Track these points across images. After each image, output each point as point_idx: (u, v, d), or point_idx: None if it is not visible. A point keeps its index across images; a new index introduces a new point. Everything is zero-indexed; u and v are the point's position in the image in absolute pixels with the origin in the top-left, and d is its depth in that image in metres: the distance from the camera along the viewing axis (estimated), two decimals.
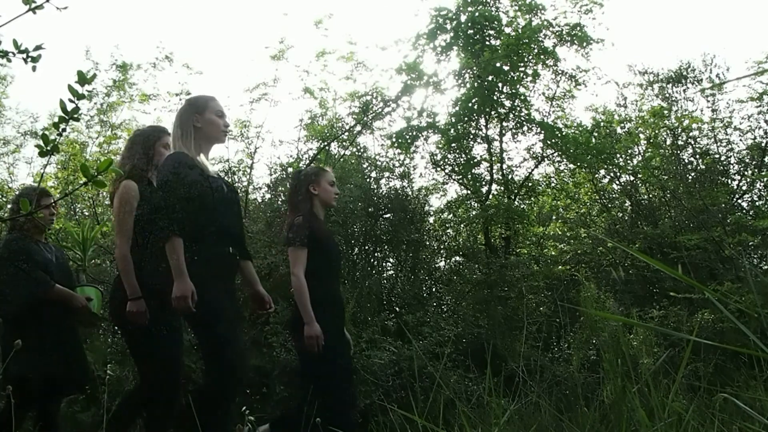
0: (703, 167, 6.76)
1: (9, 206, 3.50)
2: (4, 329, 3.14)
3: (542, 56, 6.77)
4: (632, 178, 7.00)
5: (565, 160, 7.04)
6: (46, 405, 3.11)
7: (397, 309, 5.55)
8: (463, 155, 7.06)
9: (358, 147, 6.94)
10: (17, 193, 3.66)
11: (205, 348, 2.54)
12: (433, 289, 6.42)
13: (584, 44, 6.88)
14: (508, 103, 6.91)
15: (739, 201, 6.59)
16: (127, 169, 2.89)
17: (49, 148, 1.19)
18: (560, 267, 6.40)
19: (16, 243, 3.20)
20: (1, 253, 3.19)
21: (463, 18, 6.90)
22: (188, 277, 2.39)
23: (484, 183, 7.05)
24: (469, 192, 7.14)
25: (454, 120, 6.87)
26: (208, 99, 2.74)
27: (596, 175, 7.11)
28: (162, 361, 2.76)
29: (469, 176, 7.04)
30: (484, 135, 7.02)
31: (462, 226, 7.17)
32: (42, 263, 3.18)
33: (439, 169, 7.17)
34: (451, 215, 7.14)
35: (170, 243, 2.42)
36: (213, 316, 2.43)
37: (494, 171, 7.06)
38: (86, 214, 6.50)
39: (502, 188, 7.11)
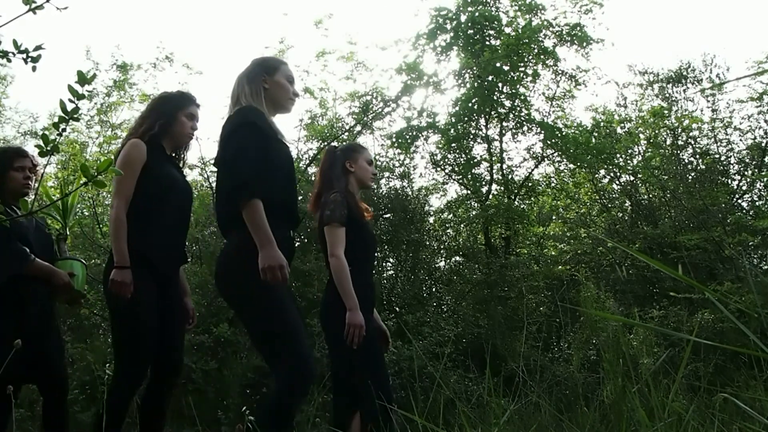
0: (703, 167, 6.77)
1: None
2: None
3: (542, 56, 6.78)
4: (632, 178, 7.01)
5: (565, 160, 7.04)
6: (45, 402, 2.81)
7: (397, 309, 5.55)
8: (463, 155, 7.06)
9: None
10: None
11: (265, 343, 2.19)
12: (433, 289, 6.42)
13: (584, 44, 6.89)
14: (508, 103, 6.91)
15: (739, 201, 6.60)
16: (141, 130, 2.58)
17: (49, 148, 1.19)
18: (560, 267, 6.40)
19: None
20: None
21: (463, 18, 6.90)
22: (275, 245, 2.06)
23: (484, 183, 7.05)
24: (469, 192, 7.14)
25: (454, 120, 6.87)
26: (279, 62, 2.48)
27: (596, 175, 7.11)
28: (138, 343, 2.40)
29: (469, 176, 7.04)
30: (484, 135, 7.02)
31: (462, 226, 7.17)
32: (19, 233, 2.81)
33: (439, 169, 7.18)
34: (451, 215, 7.15)
35: (251, 206, 2.08)
36: (277, 308, 2.11)
37: (494, 171, 7.06)
38: (86, 214, 6.50)
39: (502, 188, 7.11)
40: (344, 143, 3.67)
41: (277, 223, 2.17)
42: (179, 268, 2.69)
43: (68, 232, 3.17)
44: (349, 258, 2.56)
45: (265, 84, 2.37)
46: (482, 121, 6.95)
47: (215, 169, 2.81)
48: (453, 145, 6.91)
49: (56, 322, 2.97)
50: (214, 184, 6.31)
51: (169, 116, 2.66)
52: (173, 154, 2.76)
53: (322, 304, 2.71)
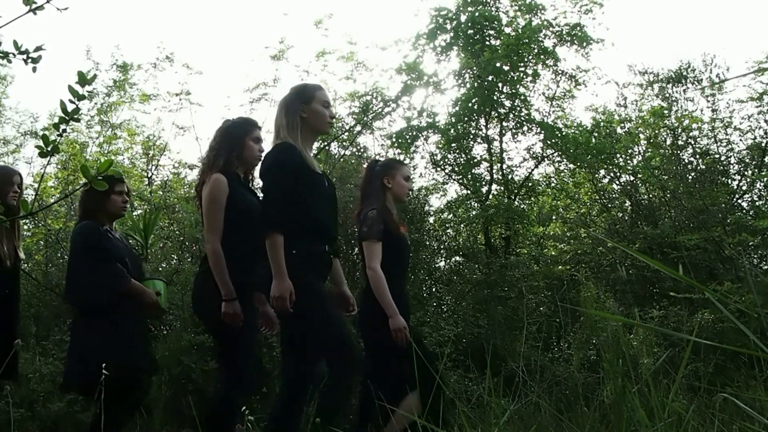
0: (703, 167, 6.76)
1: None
2: (80, 323, 3.03)
3: (542, 56, 6.77)
4: (632, 178, 7.00)
5: (565, 160, 7.03)
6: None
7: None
8: (463, 155, 7.06)
9: (358, 147, 6.94)
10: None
11: (308, 346, 2.48)
12: (433, 289, 6.42)
13: (584, 44, 6.88)
14: (508, 103, 6.91)
15: (739, 201, 6.59)
16: (218, 163, 2.78)
17: (49, 148, 1.19)
18: (560, 267, 6.40)
19: (92, 232, 3.02)
20: (78, 242, 3.03)
21: (463, 18, 6.89)
22: (287, 275, 2.32)
23: (484, 183, 7.05)
24: (469, 192, 7.14)
25: (454, 120, 6.86)
26: (315, 88, 2.65)
27: (596, 175, 7.11)
28: (248, 363, 2.71)
29: (469, 176, 7.04)
30: (484, 135, 7.02)
31: (462, 226, 7.17)
32: (118, 255, 3.04)
33: (439, 169, 7.17)
34: (451, 215, 7.14)
35: (271, 239, 2.35)
36: (316, 313, 2.37)
37: (494, 171, 7.06)
38: None
39: (502, 188, 7.11)
40: (384, 158, 3.81)
41: (314, 239, 2.46)
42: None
43: (147, 253, 3.36)
44: (387, 270, 2.77)
45: (303, 113, 2.56)
46: (482, 121, 6.95)
47: None
48: (453, 145, 6.91)
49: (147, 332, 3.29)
50: None
51: (239, 144, 2.84)
52: (244, 178, 2.95)
53: (360, 313, 2.89)
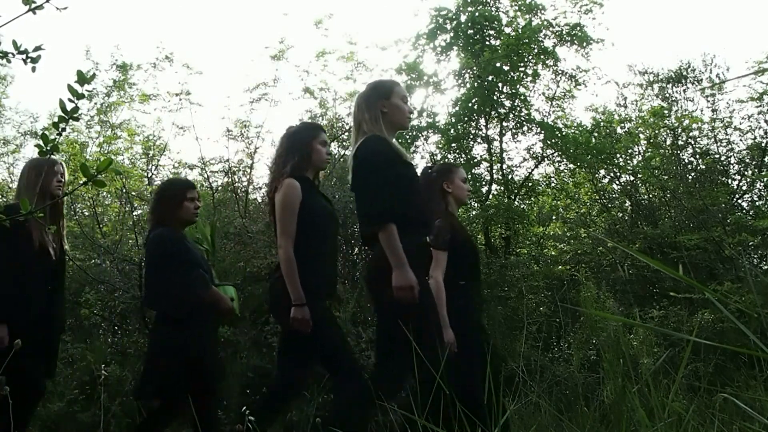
0: (703, 167, 6.76)
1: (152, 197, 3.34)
2: (160, 330, 3.04)
3: (542, 56, 6.77)
4: (632, 178, 7.00)
5: (565, 160, 7.03)
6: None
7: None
8: (463, 155, 7.06)
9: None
10: (164, 183, 3.46)
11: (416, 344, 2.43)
12: None
13: (584, 44, 6.88)
14: (508, 103, 6.90)
15: (739, 201, 6.59)
16: (289, 168, 2.76)
17: (48, 148, 1.19)
18: (560, 267, 6.40)
19: (171, 239, 3.02)
20: (156, 250, 3.03)
21: (463, 18, 6.89)
22: (408, 266, 2.27)
23: (484, 183, 7.05)
24: (468, 192, 7.14)
25: (454, 120, 6.86)
26: (392, 84, 2.64)
27: (596, 175, 7.10)
28: (309, 366, 2.72)
29: (469, 176, 7.04)
30: (484, 135, 7.01)
31: None
32: (196, 261, 3.05)
33: None
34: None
35: (385, 230, 2.29)
36: (425, 310, 2.31)
37: (494, 171, 7.05)
38: (86, 213, 6.50)
39: (502, 188, 7.10)
40: (438, 164, 3.81)
41: (413, 233, 2.41)
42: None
43: (214, 260, 3.39)
44: (461, 276, 2.81)
45: (383, 108, 2.54)
46: (482, 121, 6.95)
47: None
48: (453, 145, 6.91)
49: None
50: (213, 185, 6.32)
51: (307, 148, 2.83)
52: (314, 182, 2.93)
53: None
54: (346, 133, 6.84)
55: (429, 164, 3.37)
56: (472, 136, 7.02)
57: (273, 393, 2.74)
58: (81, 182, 1.19)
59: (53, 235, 3.04)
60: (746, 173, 6.67)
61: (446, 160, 7.16)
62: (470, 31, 6.83)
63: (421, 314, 2.31)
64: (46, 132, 1.19)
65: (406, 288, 2.25)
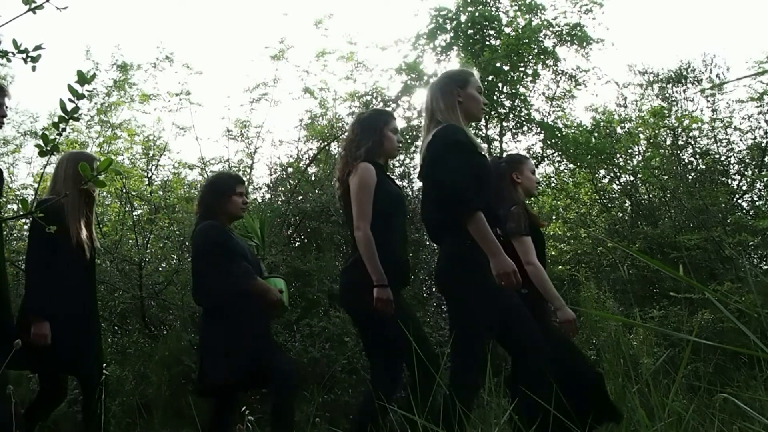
0: (703, 167, 6.76)
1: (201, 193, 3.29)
2: (209, 324, 3.01)
3: (542, 56, 6.78)
4: (632, 178, 7.00)
5: (565, 160, 7.03)
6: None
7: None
8: None
9: None
10: (214, 176, 3.46)
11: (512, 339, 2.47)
12: (433, 289, 6.41)
13: (584, 44, 6.89)
14: (508, 103, 6.91)
15: (739, 201, 6.59)
16: (363, 152, 2.75)
17: (48, 148, 1.19)
18: (560, 267, 6.40)
19: (217, 231, 3.01)
20: (202, 241, 3.02)
21: (463, 18, 6.90)
22: (503, 252, 2.23)
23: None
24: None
25: None
26: (468, 73, 2.60)
27: (596, 175, 7.11)
28: (404, 344, 2.58)
29: None
30: (484, 135, 7.01)
31: None
32: (243, 253, 3.03)
33: None
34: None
35: (474, 219, 2.25)
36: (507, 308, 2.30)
37: None
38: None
39: None
40: (507, 155, 3.73)
41: (491, 223, 2.34)
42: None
43: (264, 253, 3.36)
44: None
45: (459, 98, 2.49)
46: (482, 121, 6.95)
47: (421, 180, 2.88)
48: None
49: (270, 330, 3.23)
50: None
51: (378, 134, 2.82)
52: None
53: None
54: (347, 133, 6.84)
55: (498, 156, 3.32)
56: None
57: (368, 395, 2.68)
58: (81, 182, 1.19)
59: (87, 232, 3.01)
60: (746, 173, 6.67)
61: None
62: (470, 31, 6.84)
63: (469, 297, 2.31)
64: (46, 132, 1.19)
65: (507, 274, 2.21)
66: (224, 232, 3.03)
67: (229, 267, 2.92)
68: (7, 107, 2.83)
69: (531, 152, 7.06)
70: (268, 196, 6.41)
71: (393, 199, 2.78)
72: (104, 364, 2.94)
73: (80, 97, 1.21)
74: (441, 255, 2.52)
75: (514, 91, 6.78)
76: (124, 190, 5.83)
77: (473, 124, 6.91)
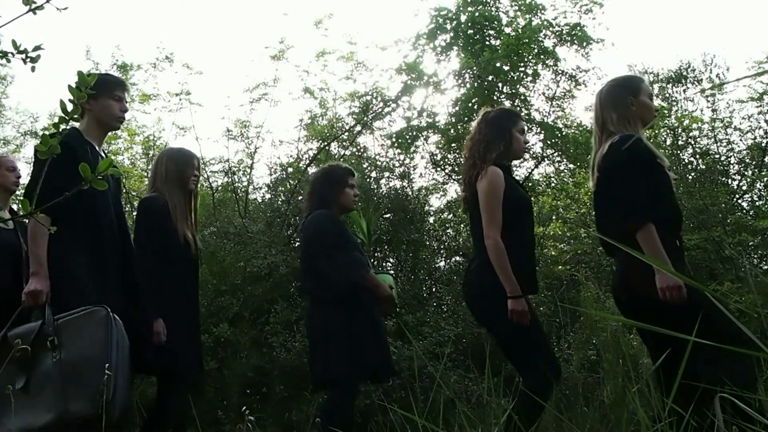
0: (703, 167, 6.76)
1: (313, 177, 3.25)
2: (319, 314, 2.94)
3: (542, 56, 6.76)
4: None
5: (565, 160, 7.03)
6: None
7: (397, 309, 5.55)
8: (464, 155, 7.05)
9: (358, 147, 6.95)
10: (327, 167, 3.35)
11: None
12: (433, 289, 6.41)
13: (584, 44, 6.87)
14: (508, 103, 6.89)
15: (739, 201, 6.59)
16: (490, 155, 2.68)
17: (48, 148, 1.19)
18: (560, 267, 6.39)
19: (332, 220, 2.96)
20: (316, 230, 2.96)
21: (463, 18, 6.89)
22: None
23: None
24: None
25: (454, 120, 6.86)
26: (640, 80, 2.55)
27: None
28: (542, 347, 2.60)
29: None
30: None
31: (462, 226, 7.16)
32: (355, 245, 2.99)
33: (439, 169, 7.17)
34: (451, 215, 7.14)
35: (645, 229, 2.20)
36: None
37: None
38: None
39: None
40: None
41: (669, 235, 2.33)
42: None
43: (369, 249, 3.30)
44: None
45: (632, 106, 2.45)
46: None
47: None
48: (453, 145, 6.90)
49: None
50: (213, 185, 6.28)
51: (508, 135, 2.74)
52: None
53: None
54: (346, 133, 6.84)
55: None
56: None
57: (523, 393, 2.57)
58: (81, 182, 1.19)
59: (191, 229, 2.97)
60: (746, 173, 6.66)
61: (446, 160, 7.16)
62: (470, 31, 6.83)
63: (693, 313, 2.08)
64: (46, 132, 1.19)
65: (673, 288, 2.13)
66: (340, 222, 3.01)
67: (342, 256, 2.88)
68: (126, 101, 2.81)
69: (531, 152, 7.06)
70: (268, 196, 6.42)
71: (522, 204, 2.72)
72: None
73: (81, 97, 1.22)
74: (617, 268, 2.44)
75: (514, 91, 6.78)
76: (124, 190, 5.83)
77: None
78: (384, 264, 6.35)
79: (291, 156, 6.70)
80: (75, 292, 2.38)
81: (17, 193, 3.40)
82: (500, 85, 6.72)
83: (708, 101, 6.95)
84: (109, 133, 7.09)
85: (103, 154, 2.73)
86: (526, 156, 7.08)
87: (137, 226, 2.91)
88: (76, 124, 2.63)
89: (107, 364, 2.03)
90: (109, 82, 2.67)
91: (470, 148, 2.82)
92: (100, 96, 2.59)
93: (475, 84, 6.68)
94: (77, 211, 2.43)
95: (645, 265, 2.15)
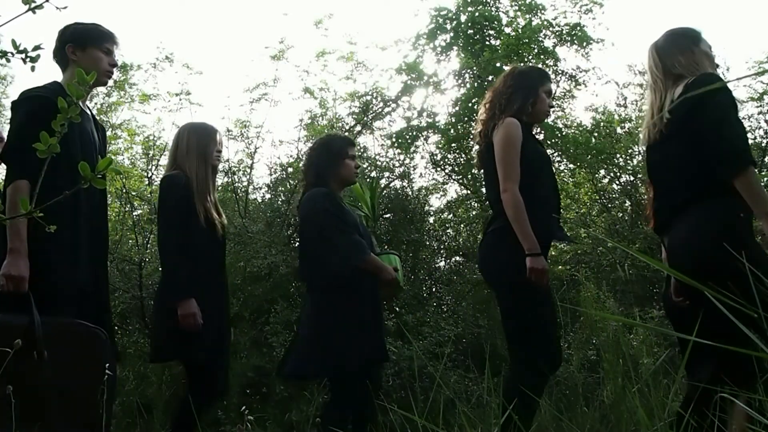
0: None
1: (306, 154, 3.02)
2: (315, 302, 2.76)
3: (542, 56, 6.77)
4: (632, 178, 7.00)
5: (565, 160, 7.03)
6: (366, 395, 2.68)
7: (397, 309, 5.55)
8: (463, 155, 7.05)
9: (358, 147, 6.94)
10: (325, 138, 3.12)
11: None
12: (433, 289, 6.41)
13: (584, 44, 6.88)
14: None
15: None
16: (514, 108, 2.52)
17: (48, 147, 1.19)
18: (560, 267, 6.39)
19: (329, 199, 2.72)
20: (312, 210, 2.74)
21: (463, 18, 6.89)
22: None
23: (484, 183, 7.03)
24: (469, 192, 7.14)
25: (454, 120, 6.86)
26: (698, 31, 2.42)
27: (596, 175, 7.10)
28: (551, 325, 2.43)
29: (469, 176, 7.03)
30: None
31: (462, 226, 7.16)
32: (355, 226, 2.75)
33: (439, 169, 7.17)
34: (451, 215, 7.14)
35: (746, 175, 1.98)
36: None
37: None
38: None
39: None
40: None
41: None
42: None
43: (375, 225, 3.07)
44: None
45: (694, 55, 2.31)
46: None
47: None
48: (453, 145, 6.90)
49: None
50: None
51: (534, 93, 2.59)
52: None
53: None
54: (346, 133, 6.83)
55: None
56: (472, 137, 7.02)
57: (513, 380, 2.46)
58: (81, 182, 1.19)
59: (216, 207, 2.79)
60: None
61: (446, 160, 7.16)
62: (470, 31, 6.83)
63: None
64: (46, 133, 1.19)
65: None
66: (336, 200, 2.77)
67: (341, 239, 2.67)
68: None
69: None
70: (268, 196, 6.41)
71: (539, 158, 2.56)
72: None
73: (81, 97, 1.22)
74: (682, 232, 2.10)
75: None
76: (124, 190, 5.83)
77: None
78: None
79: (291, 156, 6.69)
80: (51, 280, 2.16)
81: None
82: None
83: None
84: (109, 133, 7.11)
85: (88, 112, 2.49)
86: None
87: (160, 206, 2.72)
88: (59, 79, 2.40)
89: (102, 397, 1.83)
90: (99, 31, 2.45)
91: (491, 99, 2.65)
92: (88, 46, 2.39)
93: (475, 84, 6.68)
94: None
95: (719, 228, 1.99)
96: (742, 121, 2.20)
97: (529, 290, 2.37)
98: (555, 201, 2.66)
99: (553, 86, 7.08)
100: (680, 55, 2.28)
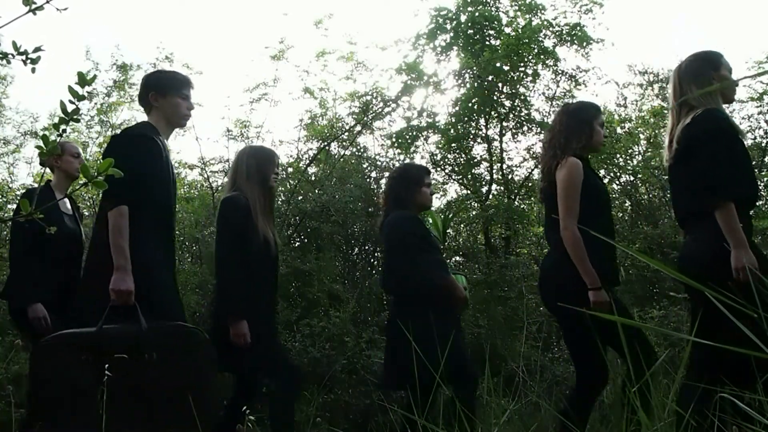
0: None
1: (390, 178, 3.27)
2: (404, 311, 2.93)
3: (542, 56, 6.77)
4: (632, 178, 7.00)
5: None
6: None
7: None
8: (463, 155, 7.06)
9: (358, 147, 6.94)
10: (402, 167, 3.40)
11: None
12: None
13: (584, 44, 6.88)
14: (508, 103, 6.90)
15: None
16: (570, 146, 2.66)
17: (49, 148, 1.19)
18: None
19: (416, 222, 2.99)
20: (400, 231, 2.98)
21: (463, 18, 6.90)
22: (748, 247, 2.15)
23: (484, 183, 7.05)
24: (469, 192, 7.14)
25: (454, 120, 6.86)
26: (719, 55, 2.49)
27: None
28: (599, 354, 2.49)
29: (469, 176, 7.04)
30: (484, 135, 7.01)
31: (462, 226, 7.16)
32: (436, 247, 3.04)
33: (439, 169, 7.17)
34: (451, 215, 7.14)
35: (724, 207, 2.18)
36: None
37: (494, 171, 7.05)
38: (86, 214, 6.50)
39: (502, 188, 7.10)
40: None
41: (744, 212, 2.28)
42: None
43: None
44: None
45: (713, 81, 2.42)
46: (482, 121, 6.95)
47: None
48: (453, 145, 6.90)
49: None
50: (213, 185, 6.29)
51: (588, 127, 2.74)
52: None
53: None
54: (346, 133, 6.84)
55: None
56: (472, 136, 7.02)
57: (579, 389, 2.59)
58: (81, 183, 1.19)
59: (271, 228, 2.93)
60: None
61: (446, 160, 7.17)
62: (470, 31, 6.83)
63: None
64: (47, 133, 1.19)
65: (744, 269, 2.14)
66: (422, 223, 3.04)
67: (426, 258, 2.94)
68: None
69: (531, 152, 7.06)
70: None
71: (600, 194, 2.69)
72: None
73: (81, 98, 1.22)
74: (688, 243, 2.39)
75: (514, 91, 6.78)
76: None
77: (478, 123, 6.94)
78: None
79: (291, 156, 6.70)
80: (158, 293, 2.40)
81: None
82: (500, 85, 6.73)
83: None
84: (109, 133, 7.11)
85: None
86: (527, 156, 7.10)
87: (220, 226, 2.87)
88: (145, 118, 2.66)
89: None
90: (177, 80, 2.67)
91: (550, 139, 2.80)
92: (168, 94, 2.59)
93: (475, 84, 6.69)
94: (151, 203, 2.44)
95: (714, 245, 2.18)
96: (746, 147, 2.37)
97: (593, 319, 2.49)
98: (611, 230, 2.80)
99: (553, 86, 7.14)
100: (695, 83, 2.42)
